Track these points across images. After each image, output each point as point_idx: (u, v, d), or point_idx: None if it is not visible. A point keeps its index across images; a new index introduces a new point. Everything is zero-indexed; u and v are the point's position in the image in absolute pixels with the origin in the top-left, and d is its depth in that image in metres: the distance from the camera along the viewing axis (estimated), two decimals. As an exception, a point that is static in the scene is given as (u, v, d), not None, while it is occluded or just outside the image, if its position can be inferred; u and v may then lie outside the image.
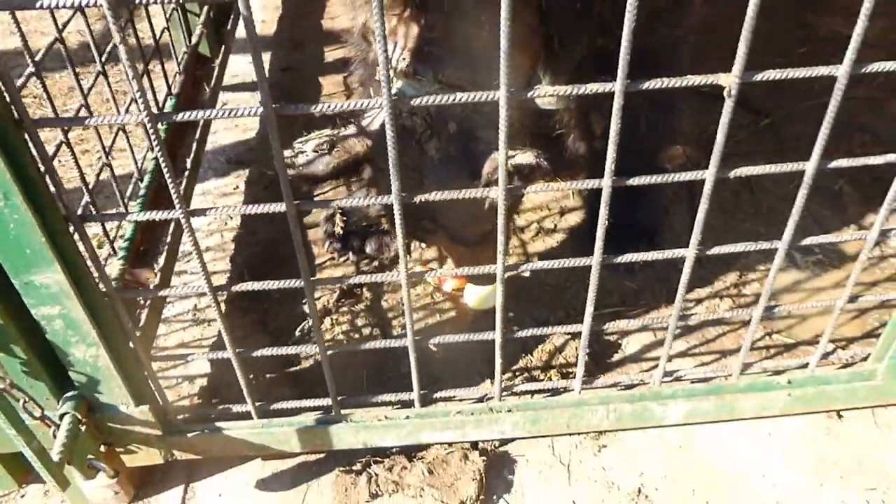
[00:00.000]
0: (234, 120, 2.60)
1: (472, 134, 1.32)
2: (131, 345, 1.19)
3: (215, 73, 2.36)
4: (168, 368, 1.72)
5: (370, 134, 1.40)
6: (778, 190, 2.16)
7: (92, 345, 1.11)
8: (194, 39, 2.27)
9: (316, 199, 2.00)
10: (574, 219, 2.08)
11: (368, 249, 1.95)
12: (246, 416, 1.34)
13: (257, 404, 1.31)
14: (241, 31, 3.08)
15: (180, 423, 1.31)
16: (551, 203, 2.14)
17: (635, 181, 1.05)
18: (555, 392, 1.39)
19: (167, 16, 2.19)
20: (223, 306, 1.86)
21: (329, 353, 1.21)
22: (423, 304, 1.85)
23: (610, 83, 0.95)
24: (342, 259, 1.97)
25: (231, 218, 2.15)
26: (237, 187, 2.27)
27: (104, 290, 1.10)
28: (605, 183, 1.04)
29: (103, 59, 1.57)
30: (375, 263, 1.96)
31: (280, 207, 1.01)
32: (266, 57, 2.94)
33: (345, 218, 2.01)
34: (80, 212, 1.03)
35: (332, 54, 2.94)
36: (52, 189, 1.00)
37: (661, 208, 2.03)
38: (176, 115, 0.94)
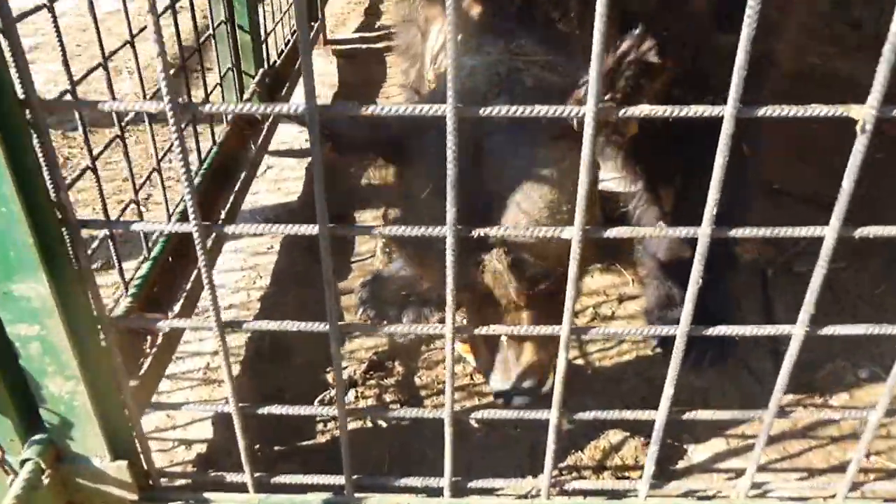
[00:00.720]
0: (277, 182, 2.52)
1: (549, 90, 1.11)
2: (121, 386, 1.01)
3: (262, 134, 2.31)
4: (166, 429, 1.52)
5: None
6: (859, 292, 1.93)
7: (70, 378, 0.94)
8: (246, 96, 2.23)
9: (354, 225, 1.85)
10: (633, 307, 1.88)
11: (405, 320, 1.77)
12: (241, 488, 1.12)
13: (256, 475, 1.10)
14: (294, 100, 3.08)
15: (162, 488, 1.10)
16: (609, 289, 1.94)
17: (738, 233, 0.87)
18: (614, 494, 1.15)
19: (221, 74, 2.16)
20: (235, 368, 1.68)
21: (350, 423, 1.01)
22: (461, 384, 1.64)
23: (719, 106, 0.79)
24: (374, 328, 1.79)
25: (260, 276, 2.01)
26: (272, 247, 2.14)
27: (96, 313, 0.93)
28: (703, 231, 0.86)
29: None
30: (412, 336, 1.77)
31: (312, 230, 0.85)
32: (317, 126, 2.90)
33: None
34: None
35: (383, 128, 2.88)
36: (50, 185, 0.86)
37: (732, 300, 1.82)
38: (204, 105, 0.80)
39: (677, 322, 0.96)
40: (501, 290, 1.15)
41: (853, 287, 1.96)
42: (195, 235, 0.85)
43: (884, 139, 2.60)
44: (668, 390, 1.00)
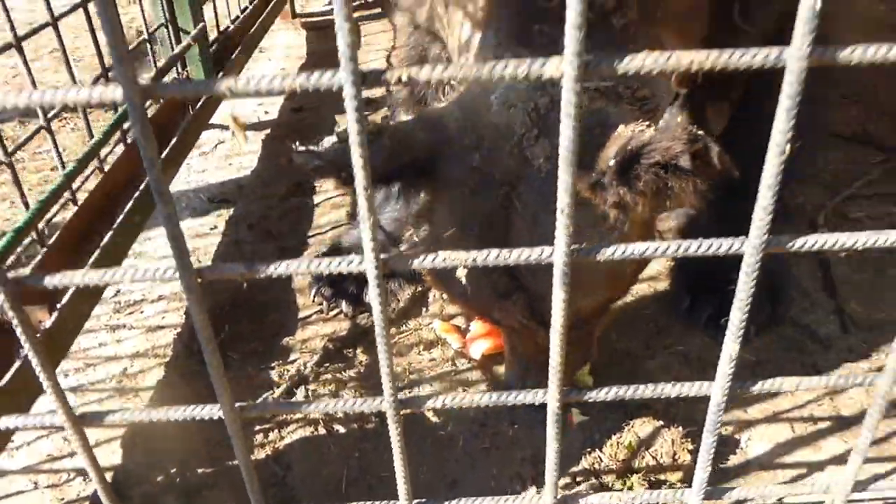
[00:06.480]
0: (230, 158, 2.18)
1: (603, 126, 0.82)
2: None
3: (202, 100, 1.96)
4: (62, 457, 1.18)
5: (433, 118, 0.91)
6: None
7: None
8: (177, 50, 1.88)
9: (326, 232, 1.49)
10: (654, 266, 1.52)
11: (367, 299, 1.43)
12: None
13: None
14: (247, 72, 2.75)
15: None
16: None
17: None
18: (652, 512, 0.79)
19: (150, 30, 1.79)
20: (159, 371, 1.34)
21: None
22: (442, 372, 1.29)
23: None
24: (332, 311, 1.44)
25: (200, 261, 1.67)
26: (215, 227, 1.80)
27: None
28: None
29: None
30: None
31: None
32: (278, 100, 2.57)
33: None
34: None
35: (354, 96, 2.54)
36: None
37: (783, 256, 1.46)
38: None
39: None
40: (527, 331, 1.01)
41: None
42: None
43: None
44: (731, 346, 0.64)
